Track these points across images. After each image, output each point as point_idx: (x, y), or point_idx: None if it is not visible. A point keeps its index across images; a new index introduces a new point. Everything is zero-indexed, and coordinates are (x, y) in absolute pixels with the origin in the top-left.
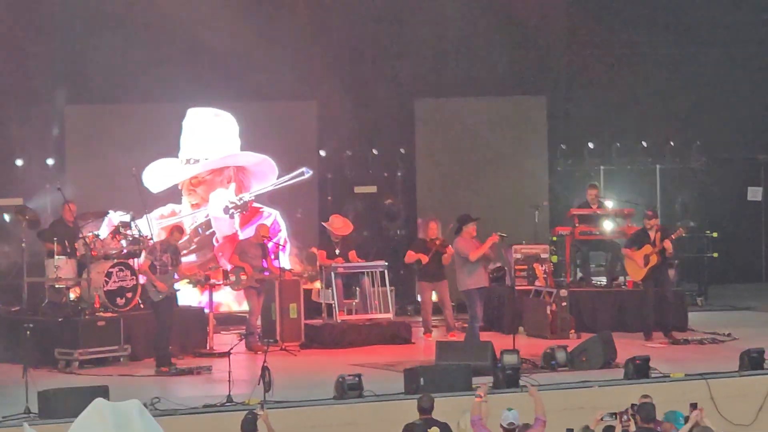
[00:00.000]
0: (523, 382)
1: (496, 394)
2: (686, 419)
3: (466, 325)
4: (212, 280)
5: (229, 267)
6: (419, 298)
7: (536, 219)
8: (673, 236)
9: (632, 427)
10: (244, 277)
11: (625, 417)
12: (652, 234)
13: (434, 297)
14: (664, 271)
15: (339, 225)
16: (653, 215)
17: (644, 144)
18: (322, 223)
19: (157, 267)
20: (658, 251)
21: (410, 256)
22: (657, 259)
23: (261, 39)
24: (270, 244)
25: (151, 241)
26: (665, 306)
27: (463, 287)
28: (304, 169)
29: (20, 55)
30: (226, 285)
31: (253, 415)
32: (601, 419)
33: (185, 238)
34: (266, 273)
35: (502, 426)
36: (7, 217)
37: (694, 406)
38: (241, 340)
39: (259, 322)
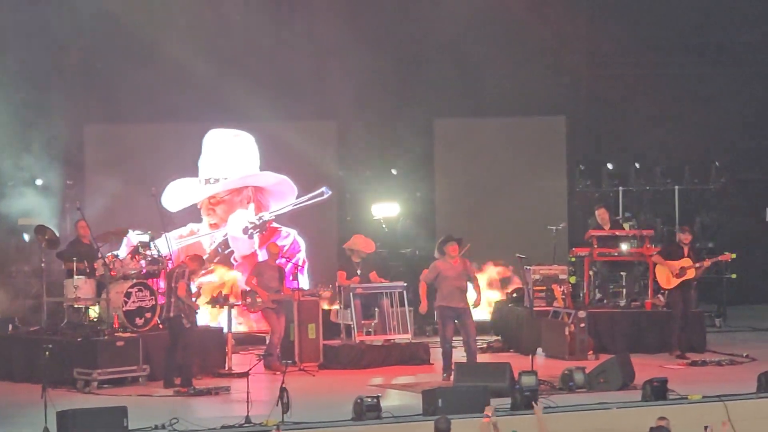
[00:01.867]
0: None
1: (514, 415)
2: None
3: (484, 346)
4: (231, 300)
5: (248, 288)
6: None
7: (554, 240)
8: (720, 258)
9: None
10: (259, 300)
11: None
12: (685, 250)
13: None
14: (690, 291)
15: (362, 243)
16: (689, 231)
17: (663, 165)
18: (344, 246)
19: (188, 291)
20: (696, 267)
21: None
22: (694, 274)
23: (280, 60)
24: (289, 266)
25: (170, 262)
26: (685, 327)
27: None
28: (323, 189)
29: (40, 74)
30: (243, 307)
31: None
32: None
33: (204, 257)
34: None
35: None
36: (26, 237)
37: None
38: (260, 360)
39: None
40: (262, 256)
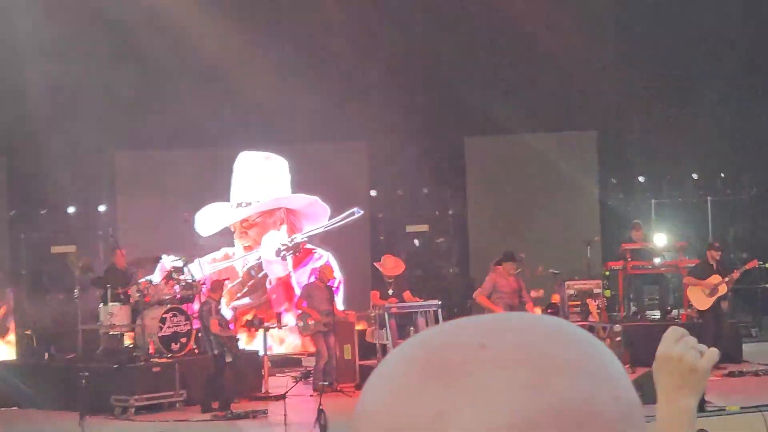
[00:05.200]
0: None
1: None
2: None
3: None
4: (266, 324)
5: (282, 310)
6: None
7: (588, 254)
8: (747, 266)
9: None
10: (311, 322)
11: None
12: (714, 266)
13: None
14: (720, 306)
15: (390, 265)
16: (720, 247)
17: (695, 176)
18: (374, 264)
19: (222, 323)
20: (727, 281)
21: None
22: (726, 289)
23: (309, 81)
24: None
25: (204, 286)
26: (720, 339)
27: None
28: (355, 209)
29: (70, 102)
30: (301, 332)
31: None
32: None
33: (237, 281)
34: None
35: None
36: (68, 262)
37: None
38: (296, 382)
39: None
40: (298, 277)
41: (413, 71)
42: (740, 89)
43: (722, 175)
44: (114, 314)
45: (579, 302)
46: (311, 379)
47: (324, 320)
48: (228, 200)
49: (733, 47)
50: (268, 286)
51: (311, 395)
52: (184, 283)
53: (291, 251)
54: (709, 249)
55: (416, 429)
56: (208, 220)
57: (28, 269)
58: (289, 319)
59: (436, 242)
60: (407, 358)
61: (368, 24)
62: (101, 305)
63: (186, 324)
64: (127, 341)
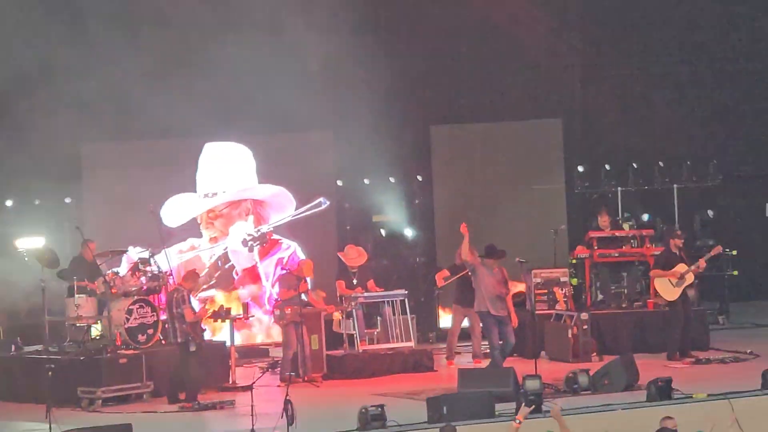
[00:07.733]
0: (546, 405)
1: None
2: None
3: (486, 351)
4: (234, 314)
5: (249, 300)
6: (448, 323)
7: (555, 242)
8: (712, 253)
9: None
10: (288, 311)
11: None
12: (679, 254)
13: (466, 323)
14: (686, 292)
15: (353, 255)
16: (682, 235)
17: (660, 164)
18: (338, 254)
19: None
20: (693, 270)
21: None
22: (692, 278)
23: (275, 71)
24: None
25: (171, 278)
26: (688, 326)
27: (476, 309)
28: (321, 199)
29: (36, 93)
30: (276, 321)
31: None
32: None
33: (204, 271)
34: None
35: None
36: (26, 257)
37: None
38: (263, 373)
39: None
40: (264, 267)
41: (379, 60)
42: (705, 76)
43: (688, 162)
44: (81, 306)
45: (546, 291)
46: (279, 369)
47: (299, 311)
48: (194, 191)
49: (698, 35)
50: (234, 276)
51: (278, 386)
52: (150, 275)
53: (257, 242)
54: (671, 237)
55: None
56: (175, 211)
57: None
58: (256, 309)
59: (402, 231)
60: None
61: (333, 12)
62: (68, 297)
63: (153, 315)
64: (94, 333)
